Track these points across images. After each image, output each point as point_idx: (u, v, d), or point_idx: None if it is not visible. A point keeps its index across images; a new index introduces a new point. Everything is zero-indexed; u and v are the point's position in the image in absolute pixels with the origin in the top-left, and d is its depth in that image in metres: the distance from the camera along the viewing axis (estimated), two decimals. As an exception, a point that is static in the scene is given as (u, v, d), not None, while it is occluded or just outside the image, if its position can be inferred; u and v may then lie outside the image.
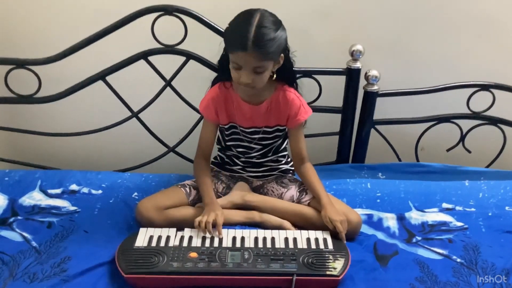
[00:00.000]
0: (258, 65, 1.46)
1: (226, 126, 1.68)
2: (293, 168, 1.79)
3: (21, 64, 1.81)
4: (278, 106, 1.63)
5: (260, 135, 1.67)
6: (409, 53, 2.07)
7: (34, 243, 1.52)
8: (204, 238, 1.48)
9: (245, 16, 1.46)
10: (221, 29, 1.78)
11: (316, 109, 1.68)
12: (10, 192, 1.76)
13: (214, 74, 1.81)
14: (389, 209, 1.75)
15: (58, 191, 1.79)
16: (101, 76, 1.86)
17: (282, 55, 1.52)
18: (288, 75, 1.62)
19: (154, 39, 1.80)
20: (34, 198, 1.74)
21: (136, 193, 1.79)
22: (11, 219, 1.63)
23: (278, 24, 1.47)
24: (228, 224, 1.61)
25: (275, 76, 1.56)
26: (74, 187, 1.81)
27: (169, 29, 1.76)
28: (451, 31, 2.03)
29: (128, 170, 2.04)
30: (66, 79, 1.87)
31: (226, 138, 1.71)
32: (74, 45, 1.79)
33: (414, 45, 2.06)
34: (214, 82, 1.68)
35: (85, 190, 1.80)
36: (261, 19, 1.43)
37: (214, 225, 1.51)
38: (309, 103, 1.76)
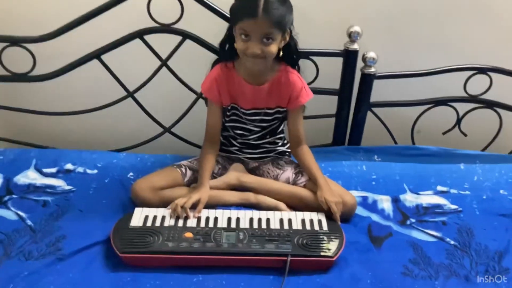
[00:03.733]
0: (267, 31, 1.44)
1: (227, 107, 1.66)
2: (289, 150, 1.79)
3: (15, 41, 1.79)
4: (280, 87, 1.62)
5: (261, 117, 1.67)
6: (407, 35, 2.06)
7: (29, 222, 1.52)
8: (199, 218, 1.49)
9: None
10: (217, 8, 1.76)
11: (313, 91, 1.67)
12: (5, 170, 1.76)
13: (210, 54, 1.80)
14: (384, 191, 1.76)
15: (53, 170, 1.79)
16: (96, 55, 1.84)
17: (288, 30, 1.51)
18: (292, 53, 1.61)
19: (150, 18, 1.77)
20: (29, 177, 1.74)
21: (131, 173, 1.79)
22: (6, 198, 1.63)
23: None
24: (223, 205, 1.61)
25: (281, 53, 1.55)
26: (69, 166, 1.81)
27: (165, 8, 1.73)
28: (449, 14, 2.01)
29: (124, 150, 2.03)
30: (61, 58, 1.85)
31: (226, 119, 1.70)
32: (69, 23, 1.76)
33: (412, 27, 2.04)
34: (214, 64, 1.66)
35: (80, 169, 1.80)
36: None
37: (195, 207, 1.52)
38: (306, 84, 1.75)
